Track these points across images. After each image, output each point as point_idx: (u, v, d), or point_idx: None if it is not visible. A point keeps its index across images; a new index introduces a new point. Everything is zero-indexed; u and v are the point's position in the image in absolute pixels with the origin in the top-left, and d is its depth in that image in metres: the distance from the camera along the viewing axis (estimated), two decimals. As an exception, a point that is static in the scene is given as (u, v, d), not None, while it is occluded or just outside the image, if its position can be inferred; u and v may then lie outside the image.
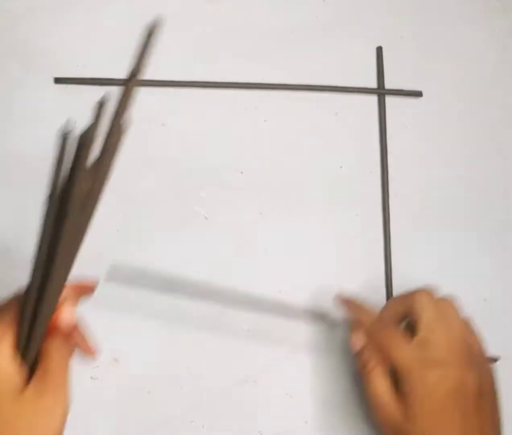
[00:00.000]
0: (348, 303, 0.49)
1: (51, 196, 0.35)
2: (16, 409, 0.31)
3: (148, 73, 0.57)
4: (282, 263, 0.54)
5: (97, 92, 0.57)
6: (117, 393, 0.51)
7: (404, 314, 0.47)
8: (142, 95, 0.58)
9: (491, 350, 0.54)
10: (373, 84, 0.59)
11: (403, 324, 0.48)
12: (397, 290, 0.54)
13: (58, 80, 0.57)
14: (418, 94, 0.59)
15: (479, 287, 0.55)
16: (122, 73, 0.57)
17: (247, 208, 0.56)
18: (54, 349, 0.35)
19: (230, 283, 0.54)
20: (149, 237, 0.54)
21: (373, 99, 0.59)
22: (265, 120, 0.58)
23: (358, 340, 0.45)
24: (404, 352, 0.43)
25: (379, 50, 0.60)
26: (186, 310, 0.53)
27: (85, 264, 0.53)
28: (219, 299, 0.53)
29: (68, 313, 0.37)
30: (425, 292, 0.46)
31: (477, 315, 0.55)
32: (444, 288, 0.55)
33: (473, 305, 0.55)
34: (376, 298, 0.54)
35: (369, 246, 0.55)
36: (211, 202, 0.55)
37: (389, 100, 0.59)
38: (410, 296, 0.46)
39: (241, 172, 0.56)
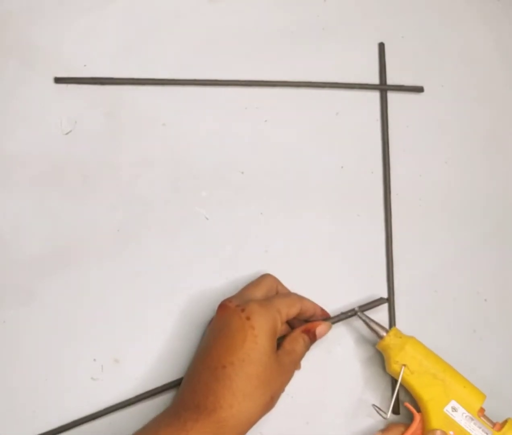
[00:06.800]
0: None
1: None
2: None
3: (148, 73, 0.58)
4: (282, 263, 0.54)
5: (97, 91, 0.58)
6: (117, 393, 0.51)
7: None
8: (142, 95, 0.58)
9: (491, 351, 0.54)
10: (374, 81, 0.59)
11: None
12: (398, 290, 0.54)
13: (58, 80, 0.57)
14: (419, 89, 0.59)
15: (479, 287, 0.55)
16: (122, 73, 0.58)
17: (248, 209, 0.56)
18: (299, 342, 0.49)
19: (230, 283, 0.54)
20: (149, 237, 0.54)
21: (374, 97, 0.59)
22: (265, 120, 0.58)
23: None
24: None
25: (381, 46, 0.60)
26: (186, 310, 0.53)
27: (85, 263, 0.54)
28: (219, 298, 0.53)
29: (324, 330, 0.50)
30: None
31: (477, 315, 0.55)
32: (444, 288, 0.55)
33: (473, 305, 0.55)
34: (377, 297, 0.54)
35: (371, 246, 0.55)
36: (212, 202, 0.55)
37: (391, 96, 0.59)
38: None
39: (242, 172, 0.56)
